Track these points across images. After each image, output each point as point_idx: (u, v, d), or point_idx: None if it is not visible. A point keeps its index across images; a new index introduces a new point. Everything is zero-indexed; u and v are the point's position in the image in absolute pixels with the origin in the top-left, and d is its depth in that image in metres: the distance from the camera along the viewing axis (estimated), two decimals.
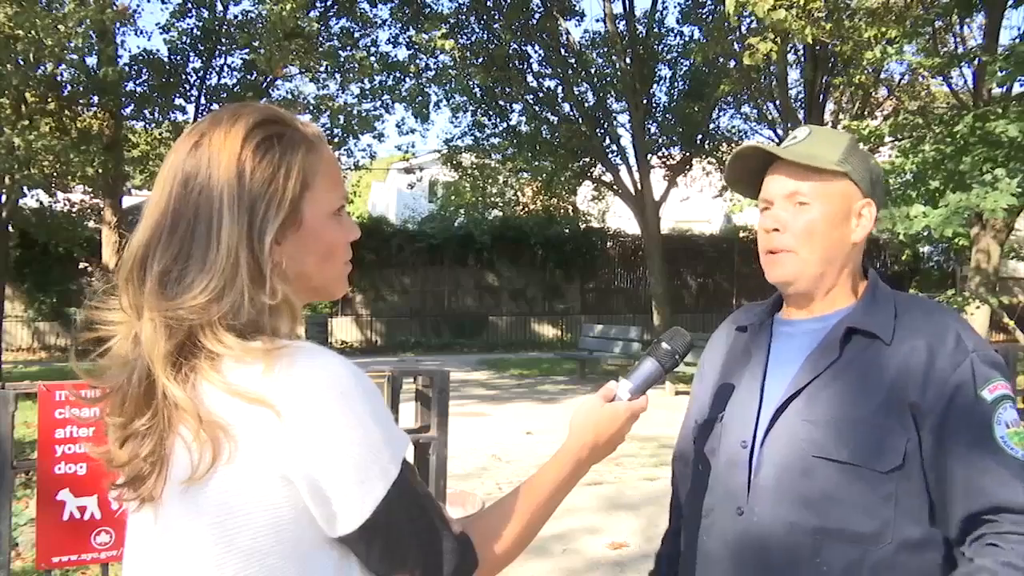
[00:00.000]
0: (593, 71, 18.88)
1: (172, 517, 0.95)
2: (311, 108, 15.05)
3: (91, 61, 12.90)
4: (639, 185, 18.62)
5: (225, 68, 14.85)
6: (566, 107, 19.31)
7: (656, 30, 18.84)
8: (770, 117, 18.66)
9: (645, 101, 18.59)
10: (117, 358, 0.98)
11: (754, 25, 10.33)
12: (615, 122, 19.43)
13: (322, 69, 15.02)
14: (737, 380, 1.45)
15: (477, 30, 18.18)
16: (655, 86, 19.40)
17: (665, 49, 19.27)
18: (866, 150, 1.47)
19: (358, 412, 0.93)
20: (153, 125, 14.42)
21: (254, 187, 0.96)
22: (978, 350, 1.29)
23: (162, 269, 0.95)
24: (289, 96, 15.23)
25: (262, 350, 0.92)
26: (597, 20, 26.51)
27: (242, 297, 0.94)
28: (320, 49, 14.56)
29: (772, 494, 1.32)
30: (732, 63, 15.50)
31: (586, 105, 19.08)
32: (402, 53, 16.89)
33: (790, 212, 1.38)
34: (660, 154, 20.18)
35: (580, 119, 19.06)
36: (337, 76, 15.27)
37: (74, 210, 15.06)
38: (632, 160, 18.83)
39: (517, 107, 19.56)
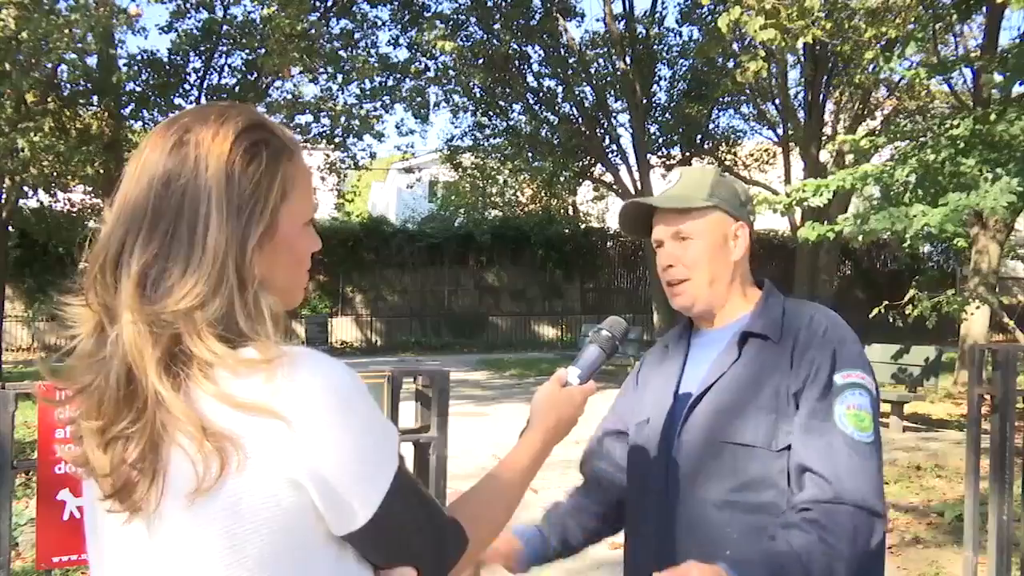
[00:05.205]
0: (593, 71, 18.89)
1: (176, 528, 0.92)
2: (311, 109, 15.06)
3: (91, 61, 12.90)
4: (639, 185, 18.62)
5: (226, 68, 14.86)
6: (566, 107, 19.32)
7: (656, 30, 18.85)
8: (770, 117, 18.67)
9: (645, 101, 18.60)
10: (82, 357, 0.95)
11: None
12: (615, 122, 19.45)
13: (322, 70, 15.02)
14: (659, 383, 1.72)
15: (477, 30, 18.19)
16: (655, 86, 19.42)
17: (665, 49, 19.28)
18: (728, 177, 1.73)
19: (359, 412, 0.95)
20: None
21: (242, 192, 0.95)
22: (844, 344, 1.54)
23: (141, 269, 0.92)
24: (289, 97, 15.23)
25: (260, 360, 0.90)
26: (597, 20, 26.53)
27: (229, 304, 0.92)
28: (321, 51, 14.56)
29: (687, 475, 1.56)
30: (732, 63, 15.50)
31: (586, 105, 19.09)
32: (402, 54, 16.91)
33: (678, 248, 1.65)
34: (660, 154, 20.19)
35: (580, 119, 19.06)
36: (338, 77, 15.27)
37: (74, 210, 15.07)
38: (632, 160, 18.84)
39: (517, 107, 19.57)
